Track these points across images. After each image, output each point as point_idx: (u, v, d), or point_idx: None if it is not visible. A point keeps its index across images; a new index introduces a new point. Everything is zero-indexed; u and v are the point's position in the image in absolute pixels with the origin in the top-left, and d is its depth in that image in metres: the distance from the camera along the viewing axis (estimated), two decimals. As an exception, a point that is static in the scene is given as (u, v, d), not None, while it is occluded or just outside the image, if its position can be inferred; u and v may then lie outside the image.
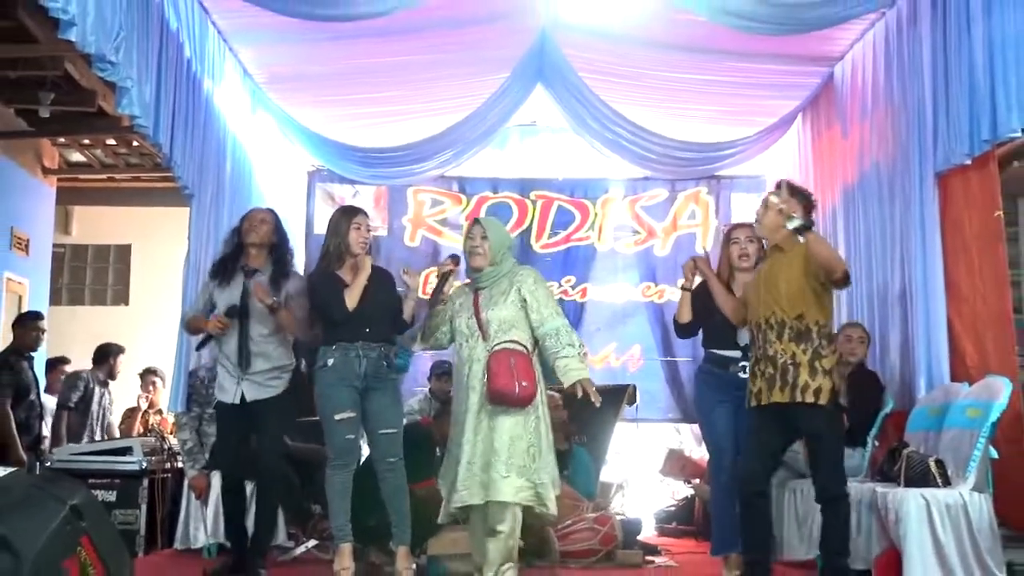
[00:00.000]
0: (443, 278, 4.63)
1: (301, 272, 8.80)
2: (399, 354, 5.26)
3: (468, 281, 4.71)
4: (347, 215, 5.04)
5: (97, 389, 7.82)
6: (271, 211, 5.40)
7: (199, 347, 5.36)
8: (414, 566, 4.88)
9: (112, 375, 7.90)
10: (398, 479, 4.82)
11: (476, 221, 4.67)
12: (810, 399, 4.31)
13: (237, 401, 5.02)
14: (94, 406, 7.79)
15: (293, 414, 5.44)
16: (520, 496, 4.24)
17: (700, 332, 5.25)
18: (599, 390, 4.36)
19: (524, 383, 4.25)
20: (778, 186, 4.59)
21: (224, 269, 5.12)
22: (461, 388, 4.50)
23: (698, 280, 5.10)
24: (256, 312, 5.02)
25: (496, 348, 4.35)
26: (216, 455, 5.33)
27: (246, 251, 5.15)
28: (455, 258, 4.90)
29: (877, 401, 5.70)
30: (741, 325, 4.81)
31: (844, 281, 4.38)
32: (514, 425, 4.28)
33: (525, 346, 4.41)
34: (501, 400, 4.26)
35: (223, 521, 5.50)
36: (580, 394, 4.34)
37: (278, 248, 5.24)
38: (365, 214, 5.12)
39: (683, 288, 5.16)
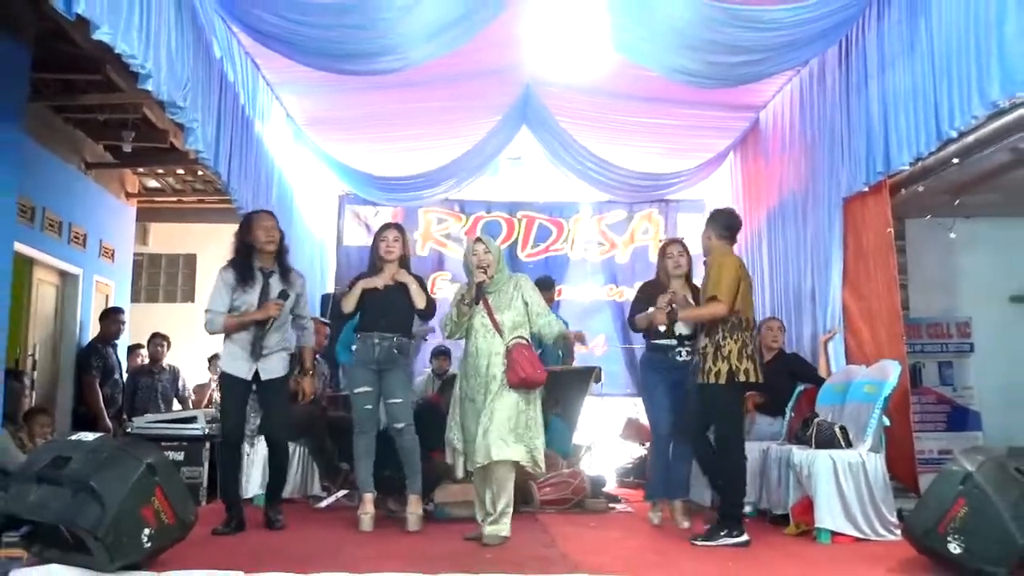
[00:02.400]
0: (478, 288, 4.51)
1: (331, 276, 8.97)
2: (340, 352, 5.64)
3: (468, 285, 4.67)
4: (379, 231, 5.03)
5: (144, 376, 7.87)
6: (273, 214, 4.96)
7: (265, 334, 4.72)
8: (422, 512, 4.87)
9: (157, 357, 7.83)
10: (405, 441, 4.81)
11: (479, 239, 4.65)
12: (711, 380, 4.45)
13: (249, 378, 4.68)
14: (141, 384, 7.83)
15: (289, 389, 5.05)
16: (520, 457, 4.37)
17: None
18: (572, 372, 4.45)
19: (539, 371, 4.40)
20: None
21: (243, 274, 4.70)
22: (478, 375, 4.47)
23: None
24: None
25: (513, 344, 4.43)
26: (226, 416, 4.78)
27: (259, 254, 4.75)
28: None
29: (794, 380, 5.71)
30: None
31: (729, 315, 4.47)
32: (517, 403, 4.40)
33: (529, 340, 4.53)
34: (524, 385, 4.39)
35: (220, 476, 4.93)
36: (572, 340, 4.78)
37: (279, 245, 4.83)
38: (394, 228, 5.01)
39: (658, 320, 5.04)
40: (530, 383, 4.38)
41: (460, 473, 4.63)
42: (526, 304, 4.57)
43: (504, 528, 4.37)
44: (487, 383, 4.42)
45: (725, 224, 4.77)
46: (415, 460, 4.84)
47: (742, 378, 4.43)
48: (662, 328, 4.95)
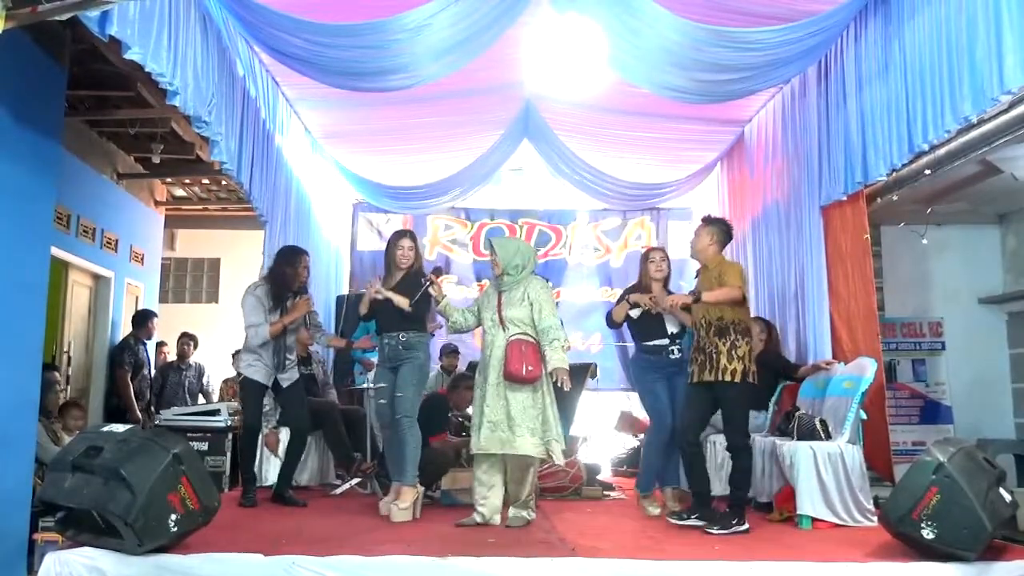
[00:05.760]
0: (425, 287, 4.73)
1: (345, 279, 8.97)
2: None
3: (488, 283, 4.82)
4: (395, 238, 5.02)
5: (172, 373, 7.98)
6: (309, 256, 5.35)
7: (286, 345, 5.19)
8: (408, 505, 4.61)
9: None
10: (400, 432, 4.68)
11: (490, 243, 4.76)
12: (727, 378, 4.38)
13: (269, 384, 5.07)
14: (171, 379, 7.92)
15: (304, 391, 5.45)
16: (535, 451, 4.37)
17: (632, 329, 5.26)
18: (569, 368, 4.42)
19: (530, 367, 4.36)
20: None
21: (277, 298, 5.06)
22: (485, 366, 4.52)
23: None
24: (291, 328, 5.13)
25: (511, 339, 4.42)
26: (247, 413, 5.15)
27: (291, 283, 5.10)
28: (436, 271, 4.95)
29: (776, 377, 5.71)
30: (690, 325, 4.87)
31: (745, 299, 4.57)
32: (525, 398, 4.39)
33: (534, 337, 4.48)
34: (513, 379, 4.36)
35: (241, 458, 5.36)
36: (556, 382, 4.41)
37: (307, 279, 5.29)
38: (408, 237, 5.02)
39: (628, 301, 5.17)
40: (515, 379, 4.34)
41: (473, 450, 4.58)
42: (531, 305, 4.52)
43: (529, 512, 4.46)
44: (489, 374, 4.46)
45: (729, 234, 4.84)
46: (407, 452, 4.67)
47: (751, 379, 4.47)
48: (683, 310, 4.89)
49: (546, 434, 4.40)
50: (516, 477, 4.48)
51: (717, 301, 4.47)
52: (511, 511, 4.44)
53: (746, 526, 4.32)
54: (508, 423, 4.34)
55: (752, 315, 6.53)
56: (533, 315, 4.50)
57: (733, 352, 4.42)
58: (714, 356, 4.45)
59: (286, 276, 5.09)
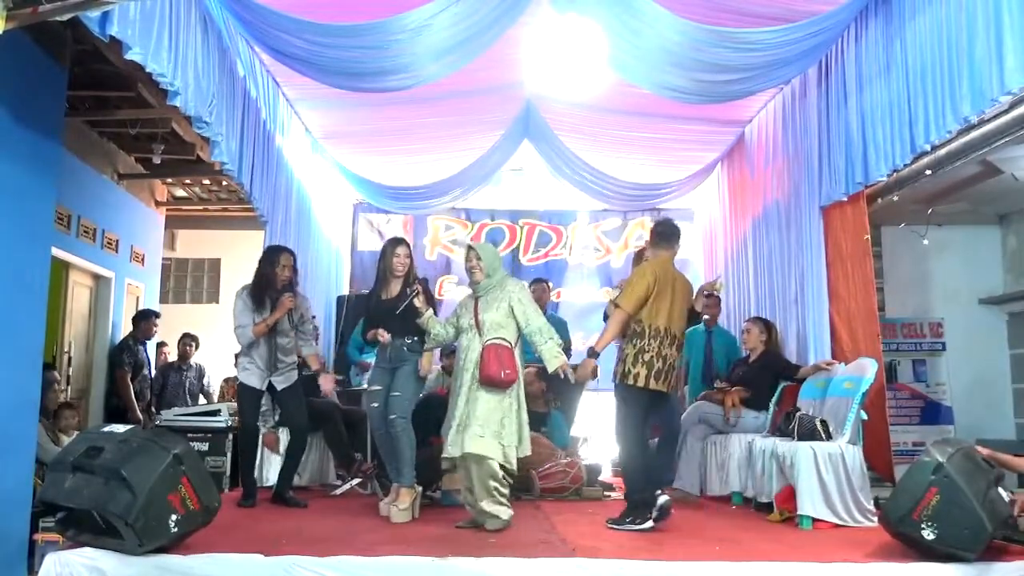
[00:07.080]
0: (410, 297, 4.73)
1: (346, 279, 8.97)
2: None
3: (471, 291, 4.71)
4: (391, 246, 4.98)
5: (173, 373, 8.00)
6: (292, 253, 5.25)
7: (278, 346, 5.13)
8: (407, 506, 4.64)
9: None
10: (397, 432, 4.67)
11: (470, 247, 4.65)
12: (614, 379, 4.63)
13: (264, 388, 5.06)
14: (171, 380, 7.94)
15: (303, 392, 5.36)
16: (488, 451, 4.27)
17: None
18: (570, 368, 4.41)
19: (507, 371, 4.31)
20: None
21: (258, 299, 5.02)
22: (459, 369, 4.50)
23: None
24: (280, 329, 5.07)
25: (488, 343, 4.37)
26: (244, 417, 5.16)
27: (274, 282, 5.04)
28: (422, 281, 4.95)
29: (777, 378, 5.71)
30: None
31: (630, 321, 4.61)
32: (491, 400, 4.33)
33: (510, 342, 4.43)
34: (490, 383, 4.31)
35: (240, 460, 5.35)
36: (562, 376, 4.42)
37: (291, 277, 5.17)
38: (406, 244, 5.01)
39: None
40: (494, 382, 4.28)
41: (444, 463, 4.52)
42: (512, 309, 4.45)
43: (494, 522, 4.25)
44: (462, 377, 4.41)
45: (657, 232, 4.88)
46: (403, 453, 4.68)
47: (631, 381, 4.49)
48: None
49: (504, 438, 4.31)
50: (472, 481, 4.30)
51: (609, 339, 4.60)
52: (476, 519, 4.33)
53: (640, 526, 4.31)
54: (470, 424, 4.28)
55: (752, 315, 6.58)
56: (517, 317, 4.44)
57: (621, 355, 4.58)
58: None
59: (266, 276, 5.06)
